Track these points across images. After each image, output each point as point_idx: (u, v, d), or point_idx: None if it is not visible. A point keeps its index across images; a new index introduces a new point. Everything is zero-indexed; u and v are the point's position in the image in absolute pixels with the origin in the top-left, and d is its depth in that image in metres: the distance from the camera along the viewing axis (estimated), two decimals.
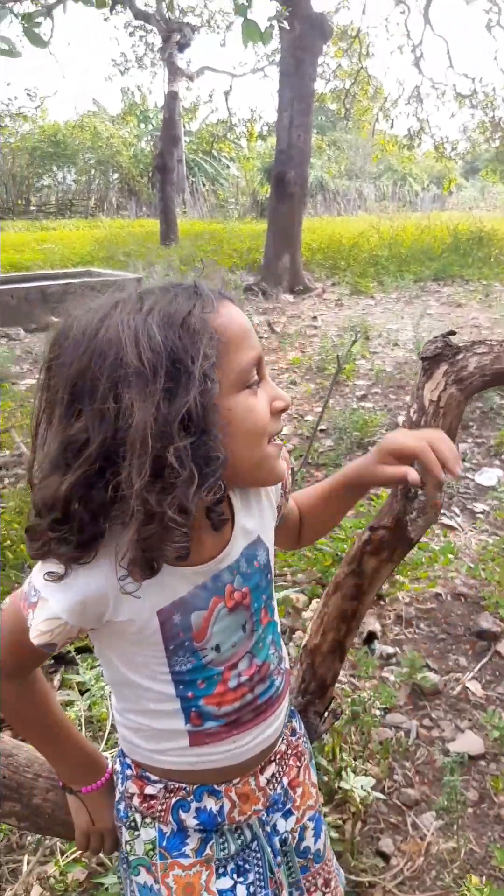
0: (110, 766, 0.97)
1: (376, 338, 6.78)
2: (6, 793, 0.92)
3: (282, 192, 9.56)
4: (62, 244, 14.54)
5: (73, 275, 9.29)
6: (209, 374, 0.68)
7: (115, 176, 28.50)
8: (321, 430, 4.12)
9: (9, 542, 2.57)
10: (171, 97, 16.05)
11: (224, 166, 27.15)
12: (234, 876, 0.89)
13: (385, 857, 1.55)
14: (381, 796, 1.62)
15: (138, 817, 0.90)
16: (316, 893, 1.01)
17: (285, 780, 0.96)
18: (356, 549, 1.08)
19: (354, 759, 1.61)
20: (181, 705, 0.83)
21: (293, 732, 1.01)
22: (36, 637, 0.75)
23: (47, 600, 0.73)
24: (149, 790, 0.88)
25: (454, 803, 1.66)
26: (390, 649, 2.24)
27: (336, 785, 1.51)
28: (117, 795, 0.93)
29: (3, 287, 7.95)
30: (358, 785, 1.48)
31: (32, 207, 27.72)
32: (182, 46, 9.15)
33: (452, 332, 0.99)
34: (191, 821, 0.87)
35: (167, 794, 0.87)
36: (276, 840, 0.94)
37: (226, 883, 0.88)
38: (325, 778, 1.52)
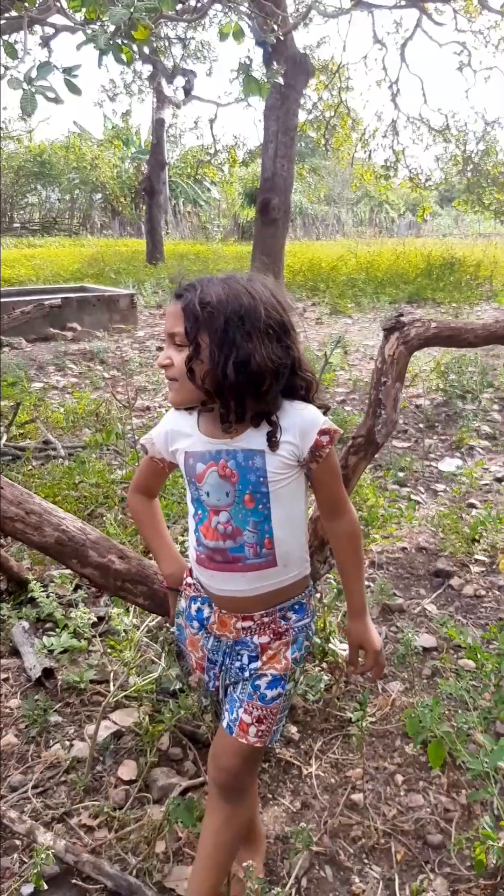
0: None
1: (354, 352, 7.46)
2: (139, 579, 1.50)
3: (266, 217, 10.26)
4: (51, 261, 15.11)
5: (69, 290, 9.85)
6: None
7: (99, 196, 29.20)
8: (324, 403, 4.72)
9: (57, 499, 3.12)
10: (159, 124, 16.79)
11: (205, 189, 28.02)
12: (217, 655, 1.40)
13: (361, 705, 2.12)
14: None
15: (182, 591, 1.47)
16: (248, 718, 1.34)
17: (257, 639, 1.34)
18: (343, 452, 1.68)
19: (340, 636, 2.19)
20: (194, 527, 1.33)
21: (285, 618, 1.37)
22: (141, 439, 1.43)
23: (158, 424, 1.41)
24: (188, 579, 1.45)
25: (413, 674, 2.24)
26: (366, 583, 2.83)
27: (326, 646, 2.09)
28: None
29: (4, 300, 8.49)
30: (342, 648, 2.06)
31: (16, 224, 28.29)
32: (187, 92, 9.83)
33: (401, 314, 1.61)
34: (193, 611, 1.40)
35: (194, 589, 1.42)
36: (237, 664, 1.36)
37: (213, 654, 1.41)
38: (318, 639, 2.10)
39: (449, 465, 4.22)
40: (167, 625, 1.97)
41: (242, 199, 25.94)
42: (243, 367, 1.18)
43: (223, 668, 1.39)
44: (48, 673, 2.20)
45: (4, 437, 4.16)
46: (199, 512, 1.33)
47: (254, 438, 1.27)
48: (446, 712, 2.04)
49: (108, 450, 4.17)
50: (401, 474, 3.98)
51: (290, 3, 9.51)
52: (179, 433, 1.34)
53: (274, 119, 9.98)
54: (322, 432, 1.29)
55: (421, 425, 5.03)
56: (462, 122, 15.07)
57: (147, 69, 16.77)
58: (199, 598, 1.41)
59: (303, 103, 14.22)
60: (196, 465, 1.31)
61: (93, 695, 2.15)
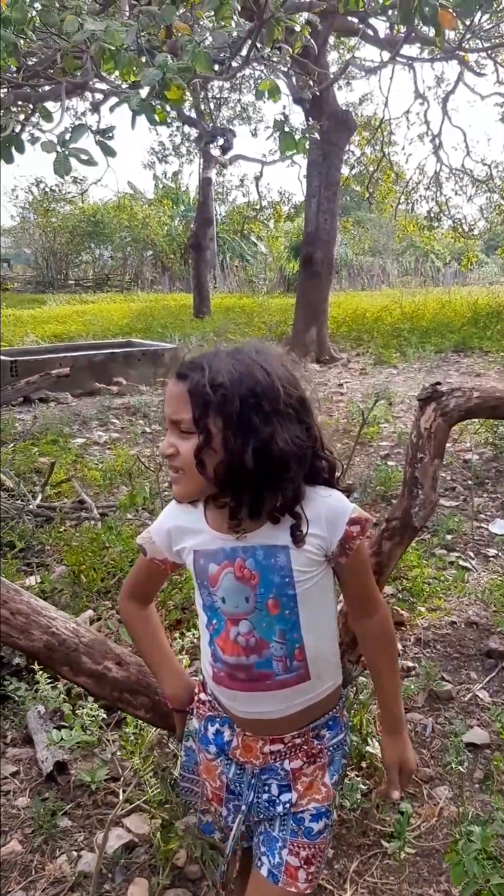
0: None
1: (399, 404, 7.26)
2: (139, 688, 1.33)
3: (309, 271, 10.30)
4: (101, 316, 15.47)
5: (115, 345, 9.98)
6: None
7: (150, 253, 30.08)
8: (349, 484, 4.53)
9: (83, 567, 3.00)
10: (206, 182, 17.26)
11: (252, 244, 28.58)
12: (239, 786, 1.21)
13: (404, 816, 1.88)
14: None
15: (194, 710, 1.28)
16: (295, 860, 1.16)
17: (287, 764, 1.17)
18: (377, 537, 1.49)
19: (377, 735, 1.97)
20: (208, 639, 1.16)
21: (318, 737, 1.19)
22: (138, 538, 1.25)
23: (157, 521, 1.24)
24: (202, 696, 1.26)
25: (463, 778, 1.99)
26: (410, 664, 2.59)
27: (363, 749, 1.87)
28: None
29: (51, 356, 8.64)
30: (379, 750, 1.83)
31: (71, 282, 29.30)
32: (225, 150, 10.11)
33: (439, 383, 1.44)
34: (211, 735, 1.20)
35: (209, 708, 1.23)
36: (264, 796, 1.18)
37: (234, 784, 1.21)
38: (355, 742, 1.88)
39: (501, 526, 3.96)
40: (172, 740, 1.78)
41: (288, 252, 26.30)
42: (264, 454, 1.03)
43: (248, 801, 1.20)
44: (61, 767, 2.03)
45: (39, 498, 4.09)
46: (215, 621, 1.16)
47: (275, 532, 1.11)
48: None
49: (141, 510, 4.06)
50: (448, 537, 3.74)
51: (332, 62, 9.69)
52: (185, 530, 1.18)
53: (317, 174, 10.09)
54: (352, 522, 1.13)
55: (469, 482, 4.77)
56: None
57: (195, 132, 17.42)
58: (218, 719, 1.23)
59: (346, 158, 14.45)
60: (208, 566, 1.14)
61: (107, 794, 1.97)
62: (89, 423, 6.80)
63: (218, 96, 14.20)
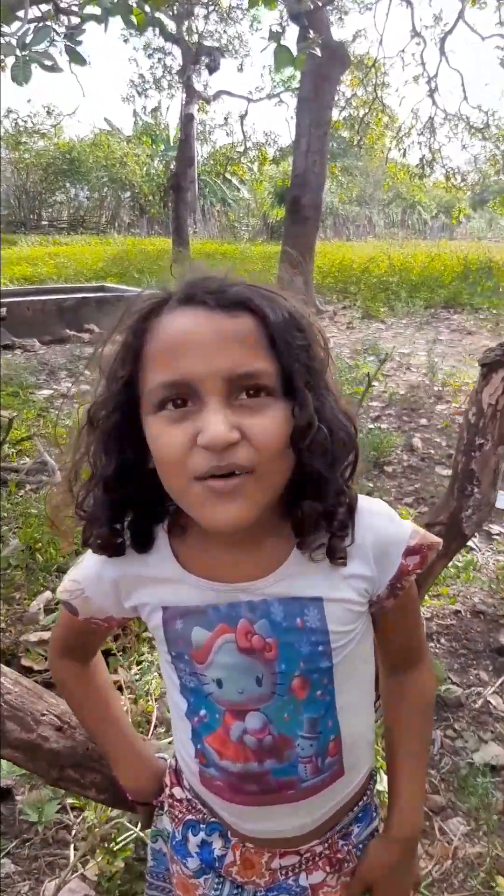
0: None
1: (389, 361, 6.87)
2: (89, 762, 0.96)
3: (296, 216, 9.72)
4: (75, 259, 14.74)
5: (87, 289, 9.42)
6: (116, 378, 0.70)
7: (127, 194, 28.90)
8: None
9: (39, 545, 2.62)
10: (188, 119, 16.34)
11: (234, 188, 27.54)
12: None
13: None
14: None
15: (166, 804, 0.91)
16: None
17: (305, 879, 0.85)
18: None
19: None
20: (191, 734, 0.80)
21: (344, 836, 0.87)
22: (60, 592, 0.83)
23: (80, 564, 0.81)
24: (176, 791, 0.89)
25: (481, 810, 1.69)
26: None
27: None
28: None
29: (20, 299, 8.06)
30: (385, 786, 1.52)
31: (44, 222, 28.12)
32: (211, 70, 9.37)
33: None
34: (193, 847, 0.85)
35: (188, 808, 0.87)
36: None
37: None
38: None
39: None
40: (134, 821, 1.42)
41: (272, 198, 25.39)
42: (338, 426, 0.71)
43: None
44: (5, 793, 1.69)
45: None
46: (203, 712, 0.78)
47: (301, 575, 0.74)
48: None
49: None
50: None
51: None
52: (142, 579, 0.78)
53: (307, 112, 9.44)
54: (410, 552, 0.77)
55: None
56: (503, 121, 14.42)
57: (177, 64, 16.40)
58: (203, 826, 0.86)
59: (336, 100, 13.70)
60: (190, 632, 0.76)
61: (59, 830, 1.64)
62: (57, 373, 6.34)
63: (206, 12, 13.19)
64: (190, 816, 0.86)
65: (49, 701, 1.05)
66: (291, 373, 0.67)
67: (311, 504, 0.70)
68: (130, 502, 0.74)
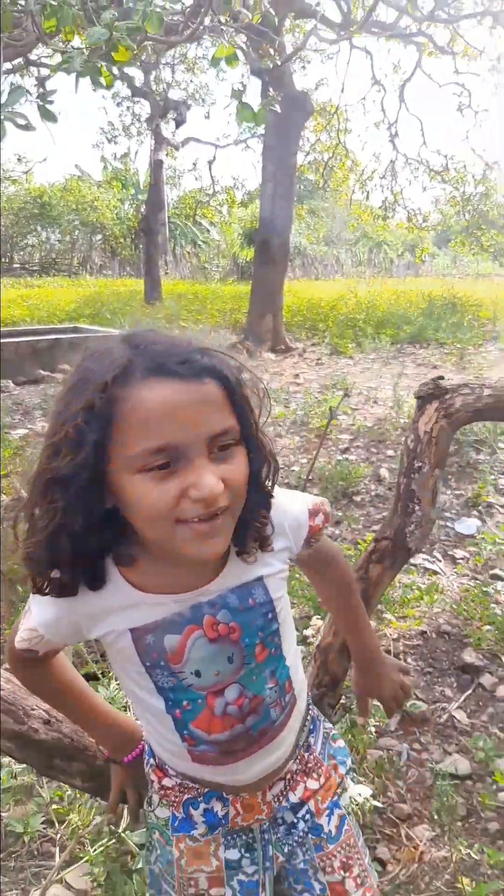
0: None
1: (356, 395, 7.07)
2: (74, 753, 1.06)
3: (265, 257, 10.03)
4: (47, 301, 14.89)
5: (61, 330, 9.55)
6: (85, 442, 0.73)
7: (99, 237, 29.28)
8: (308, 480, 4.31)
9: (19, 576, 2.69)
10: (157, 165, 16.77)
11: (205, 230, 28.10)
12: (242, 851, 1.01)
13: (381, 863, 1.67)
14: (379, 804, 1.75)
15: (156, 798, 1.03)
16: (334, 875, 1.03)
17: (294, 795, 1.03)
18: (363, 559, 1.26)
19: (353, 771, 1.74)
20: (174, 725, 0.91)
21: (307, 748, 1.06)
22: (18, 642, 0.90)
23: (31, 611, 0.88)
24: (166, 782, 1.00)
25: (444, 814, 1.79)
26: None
27: None
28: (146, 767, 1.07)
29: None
30: (356, 793, 1.61)
31: (16, 265, 28.30)
32: (178, 123, 9.73)
33: (441, 377, 1.21)
34: (198, 817, 0.99)
35: (181, 790, 0.99)
36: (282, 829, 1.04)
37: (233, 854, 1.00)
38: None
39: (468, 526, 3.79)
40: (107, 818, 1.51)
41: (242, 239, 25.95)
42: (267, 449, 0.89)
43: (269, 857, 1.03)
44: None
45: None
46: (186, 702, 0.90)
47: (242, 565, 0.89)
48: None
49: None
50: None
51: (288, 44, 9.40)
52: (102, 611, 0.86)
53: (272, 159, 9.81)
54: (312, 514, 0.98)
55: None
56: (461, 164, 15.03)
57: (146, 112, 16.90)
58: (202, 799, 0.99)
59: (301, 145, 14.21)
60: (161, 641, 0.87)
61: (44, 842, 1.70)
62: (32, 412, 6.42)
63: (172, 63, 13.68)
64: (186, 796, 0.99)
65: (38, 699, 1.17)
66: (245, 422, 0.81)
67: (249, 520, 0.85)
68: (87, 547, 0.81)
